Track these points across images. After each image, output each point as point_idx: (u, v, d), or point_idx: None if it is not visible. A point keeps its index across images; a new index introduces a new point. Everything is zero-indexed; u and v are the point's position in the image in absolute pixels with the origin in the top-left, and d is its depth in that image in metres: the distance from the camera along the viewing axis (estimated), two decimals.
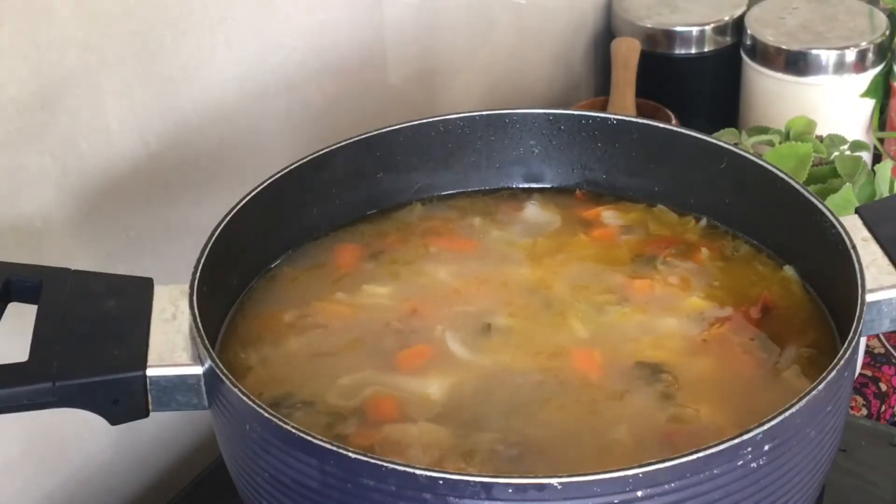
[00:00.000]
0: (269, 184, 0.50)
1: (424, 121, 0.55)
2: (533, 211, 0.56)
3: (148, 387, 0.43)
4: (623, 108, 0.78)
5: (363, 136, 0.53)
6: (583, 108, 0.79)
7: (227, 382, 0.41)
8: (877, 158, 0.79)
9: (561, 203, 0.56)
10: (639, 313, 0.49)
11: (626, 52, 0.80)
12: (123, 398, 0.43)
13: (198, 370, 0.43)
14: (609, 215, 0.55)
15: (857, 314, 0.43)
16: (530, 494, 0.37)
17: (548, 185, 0.57)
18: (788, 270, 0.51)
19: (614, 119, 0.55)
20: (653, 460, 0.38)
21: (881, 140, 0.80)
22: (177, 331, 0.44)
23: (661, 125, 0.55)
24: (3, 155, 0.50)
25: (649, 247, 0.53)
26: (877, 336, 0.68)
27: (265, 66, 0.61)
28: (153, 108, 0.56)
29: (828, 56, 0.77)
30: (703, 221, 0.54)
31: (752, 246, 0.52)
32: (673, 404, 0.45)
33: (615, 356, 0.47)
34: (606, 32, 0.86)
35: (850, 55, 0.77)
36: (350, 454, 0.38)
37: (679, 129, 0.54)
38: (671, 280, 0.51)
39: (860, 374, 0.68)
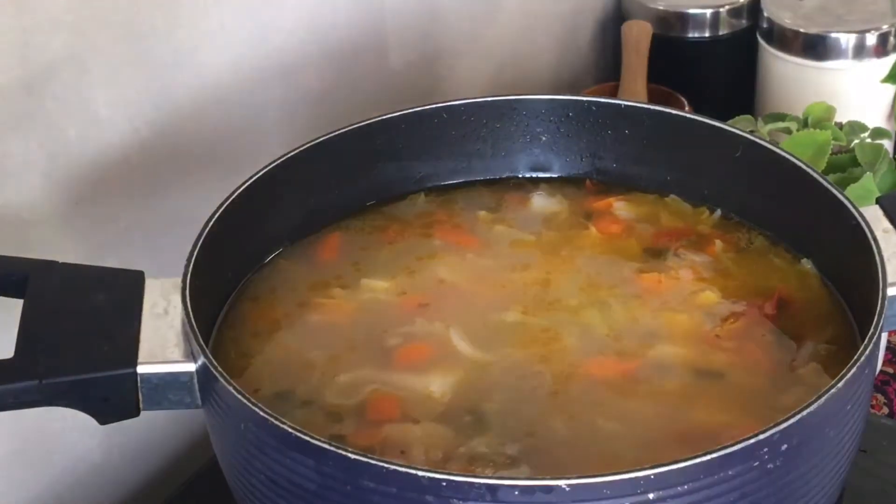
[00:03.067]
0: (265, 173, 0.50)
1: (427, 108, 0.54)
2: (540, 201, 0.55)
3: (139, 385, 0.42)
4: (634, 93, 0.78)
5: (363, 124, 0.53)
6: (592, 93, 0.79)
7: (222, 380, 0.41)
8: None
9: (569, 193, 0.55)
10: (649, 308, 0.48)
11: (637, 36, 0.79)
12: (113, 396, 0.42)
13: (191, 367, 0.42)
14: (620, 206, 0.54)
15: (878, 309, 0.42)
16: (537, 497, 0.37)
17: (555, 175, 0.56)
18: (806, 264, 0.50)
19: (625, 105, 0.54)
20: (665, 461, 0.37)
21: None
22: (169, 326, 0.43)
23: (674, 112, 0.54)
24: None
25: (661, 239, 0.52)
26: None
27: (261, 51, 0.61)
28: (144, 94, 0.55)
29: (847, 40, 0.76)
30: (718, 213, 0.53)
31: (768, 238, 0.51)
32: (685, 403, 0.44)
33: (624, 353, 0.46)
34: (616, 15, 0.85)
35: (871, 39, 0.76)
36: (350, 455, 0.38)
37: (692, 116, 0.53)
38: (683, 274, 0.50)
39: (881, 371, 0.67)
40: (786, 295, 0.48)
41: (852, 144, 0.65)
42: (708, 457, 0.37)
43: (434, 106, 0.54)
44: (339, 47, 0.64)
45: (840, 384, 0.39)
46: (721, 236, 0.51)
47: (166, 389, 0.42)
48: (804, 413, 0.38)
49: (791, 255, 0.50)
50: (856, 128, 0.67)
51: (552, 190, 0.55)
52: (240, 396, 0.40)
